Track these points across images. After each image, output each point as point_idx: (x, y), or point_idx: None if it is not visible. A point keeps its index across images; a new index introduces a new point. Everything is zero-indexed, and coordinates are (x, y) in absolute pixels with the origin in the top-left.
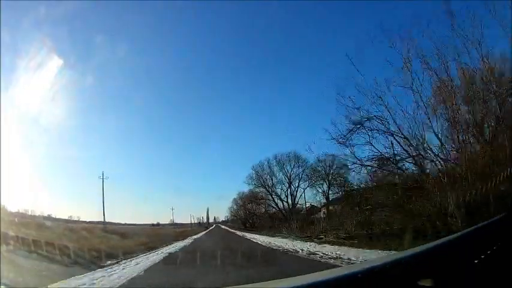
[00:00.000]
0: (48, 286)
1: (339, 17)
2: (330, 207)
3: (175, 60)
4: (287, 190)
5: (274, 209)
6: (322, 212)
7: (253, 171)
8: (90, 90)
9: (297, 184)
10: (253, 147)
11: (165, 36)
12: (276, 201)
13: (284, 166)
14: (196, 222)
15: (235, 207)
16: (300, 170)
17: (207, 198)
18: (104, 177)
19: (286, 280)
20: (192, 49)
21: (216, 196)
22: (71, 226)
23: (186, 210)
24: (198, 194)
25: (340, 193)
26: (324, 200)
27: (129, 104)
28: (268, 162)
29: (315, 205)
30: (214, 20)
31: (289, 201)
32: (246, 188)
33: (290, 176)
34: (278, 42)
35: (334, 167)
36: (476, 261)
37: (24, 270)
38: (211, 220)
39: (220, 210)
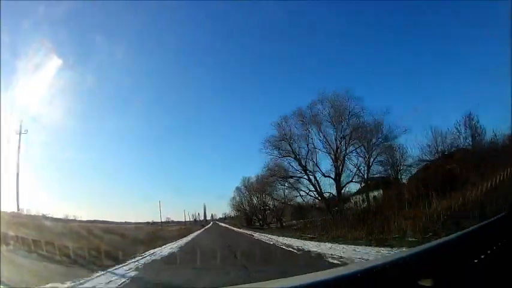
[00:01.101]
0: (49, 286)
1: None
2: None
3: (174, 60)
4: (334, 163)
5: (307, 196)
6: (353, 202)
7: (277, 132)
8: (89, 90)
9: (342, 154)
10: (252, 147)
11: (164, 36)
12: (312, 180)
13: (325, 122)
14: (192, 219)
15: (238, 198)
16: (349, 128)
17: (205, 197)
18: (23, 131)
19: (286, 280)
20: (190, 49)
21: (213, 195)
22: (70, 225)
23: (183, 208)
24: (194, 193)
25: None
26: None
27: (128, 104)
28: (300, 115)
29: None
30: (212, 20)
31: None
32: (254, 171)
33: (337, 139)
34: (275, 41)
35: (379, 136)
36: (476, 261)
37: (24, 270)
38: (208, 217)
39: (219, 209)
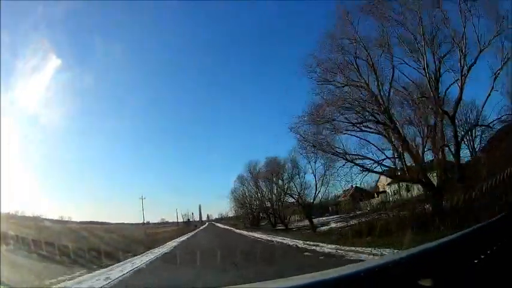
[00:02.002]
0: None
1: None
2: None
3: (172, 60)
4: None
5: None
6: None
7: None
8: (86, 91)
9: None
10: (250, 148)
11: (162, 37)
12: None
13: None
14: (186, 220)
15: (240, 189)
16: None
17: (201, 198)
18: None
19: (286, 280)
20: (188, 50)
21: (210, 196)
22: (70, 227)
23: (180, 209)
24: (190, 194)
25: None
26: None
27: (125, 104)
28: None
29: (362, 187)
30: (211, 20)
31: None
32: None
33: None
34: (274, 42)
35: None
36: (476, 261)
37: (24, 271)
38: (204, 218)
39: (215, 209)
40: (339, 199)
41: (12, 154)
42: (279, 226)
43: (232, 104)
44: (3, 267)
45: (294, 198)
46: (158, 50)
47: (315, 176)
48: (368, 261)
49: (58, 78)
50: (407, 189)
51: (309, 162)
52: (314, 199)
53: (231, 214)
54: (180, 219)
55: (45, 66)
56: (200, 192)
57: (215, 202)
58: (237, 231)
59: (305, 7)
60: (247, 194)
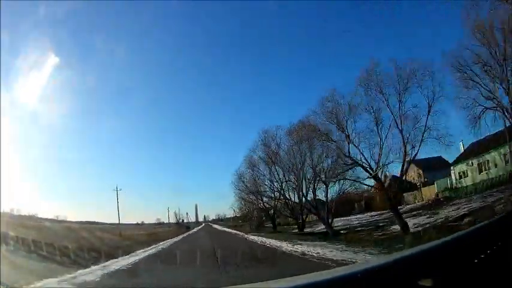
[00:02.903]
0: (47, 285)
1: None
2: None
3: (171, 61)
4: None
5: None
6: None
7: None
8: (85, 91)
9: None
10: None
11: (162, 37)
12: None
13: None
14: (189, 220)
15: (251, 174)
16: None
17: (198, 199)
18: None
19: (286, 280)
20: (188, 50)
21: (207, 197)
22: (67, 226)
23: (175, 210)
24: (188, 194)
25: None
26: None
27: (125, 104)
28: None
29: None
30: (210, 21)
31: None
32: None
33: None
34: (273, 43)
35: None
36: (476, 261)
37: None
38: (200, 219)
39: (213, 210)
40: (365, 193)
41: (8, 153)
42: (307, 229)
43: (232, 104)
44: (3, 267)
45: (367, 170)
46: (158, 49)
47: (401, 130)
48: (369, 261)
49: (58, 78)
50: (480, 170)
51: (387, 103)
52: (403, 172)
53: (229, 215)
54: (174, 220)
55: (45, 65)
56: (198, 193)
57: (213, 203)
58: (250, 237)
59: (306, 7)
60: (258, 181)
